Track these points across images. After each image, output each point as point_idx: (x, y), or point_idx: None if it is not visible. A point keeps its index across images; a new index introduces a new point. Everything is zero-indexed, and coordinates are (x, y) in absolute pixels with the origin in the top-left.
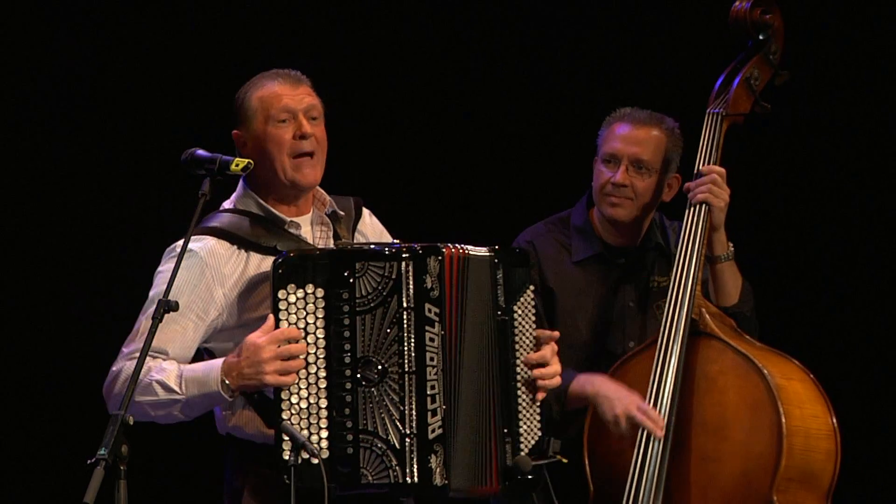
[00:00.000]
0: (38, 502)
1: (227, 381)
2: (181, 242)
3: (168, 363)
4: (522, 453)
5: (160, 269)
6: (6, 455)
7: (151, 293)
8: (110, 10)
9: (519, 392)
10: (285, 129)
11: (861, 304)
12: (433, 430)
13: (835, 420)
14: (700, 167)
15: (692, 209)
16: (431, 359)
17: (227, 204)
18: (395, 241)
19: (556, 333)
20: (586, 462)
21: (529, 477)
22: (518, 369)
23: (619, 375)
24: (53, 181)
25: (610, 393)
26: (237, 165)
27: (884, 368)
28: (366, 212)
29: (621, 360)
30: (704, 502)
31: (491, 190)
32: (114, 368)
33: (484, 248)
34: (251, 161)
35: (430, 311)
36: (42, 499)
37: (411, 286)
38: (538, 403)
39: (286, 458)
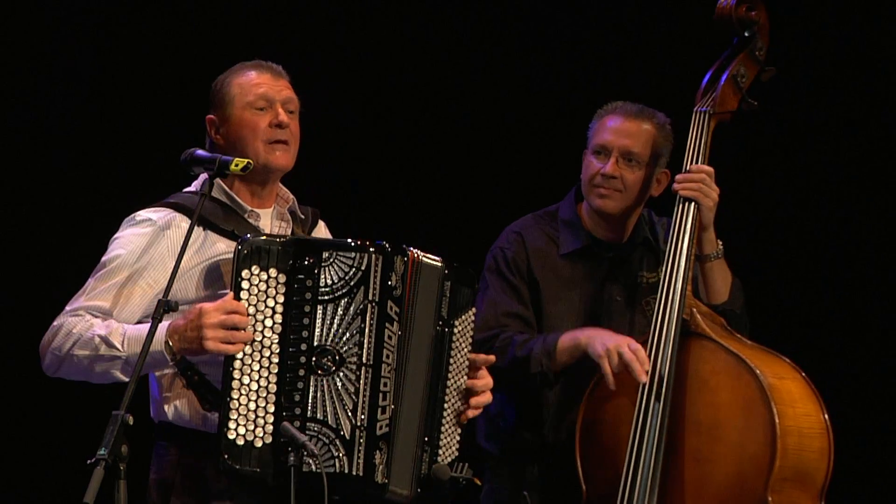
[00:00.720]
0: (38, 502)
1: (170, 343)
2: (142, 212)
3: (112, 322)
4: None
5: (117, 234)
6: (6, 455)
7: (104, 257)
8: (110, 9)
9: (445, 406)
10: (262, 116)
11: (851, 301)
12: (381, 427)
13: (826, 417)
14: (689, 166)
15: (681, 206)
16: (387, 356)
17: (189, 189)
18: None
19: (492, 357)
20: (578, 463)
21: (446, 486)
22: (449, 383)
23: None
24: (53, 181)
25: (601, 333)
26: (237, 166)
27: (874, 365)
28: (322, 223)
29: None
30: (699, 503)
31: (478, 186)
32: (55, 323)
33: (438, 258)
34: (251, 161)
35: (391, 308)
36: (42, 499)
37: (378, 280)
38: (459, 424)
39: (231, 437)
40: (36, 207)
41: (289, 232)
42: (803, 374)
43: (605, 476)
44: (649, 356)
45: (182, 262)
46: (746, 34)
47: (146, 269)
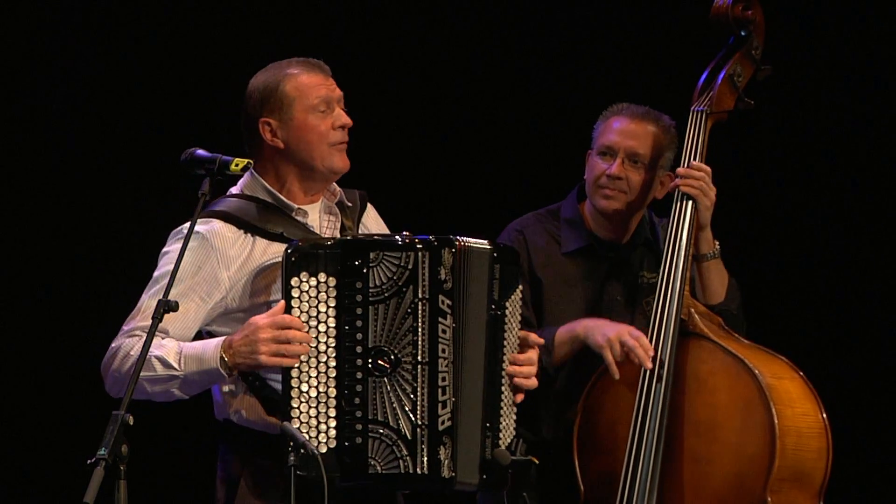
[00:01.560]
0: (38, 502)
1: (224, 358)
2: (188, 224)
3: (168, 340)
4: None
5: (166, 249)
6: (6, 455)
7: (156, 273)
8: (110, 9)
9: (503, 388)
10: (324, 119)
11: (849, 301)
12: (443, 423)
13: (825, 417)
14: (689, 163)
15: (679, 204)
16: (443, 351)
17: (234, 190)
18: (403, 232)
19: (542, 339)
20: (576, 463)
21: (508, 470)
22: (504, 365)
23: (608, 376)
24: (53, 181)
25: (599, 323)
26: (237, 165)
27: (872, 364)
28: (370, 206)
29: None
30: (697, 503)
31: (480, 184)
32: (113, 345)
33: (485, 242)
34: (251, 161)
35: (443, 302)
36: (42, 499)
37: (427, 277)
38: (515, 404)
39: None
40: (36, 208)
41: (338, 225)
42: (801, 374)
43: (604, 476)
44: None
45: (233, 270)
46: (743, 33)
47: (198, 283)
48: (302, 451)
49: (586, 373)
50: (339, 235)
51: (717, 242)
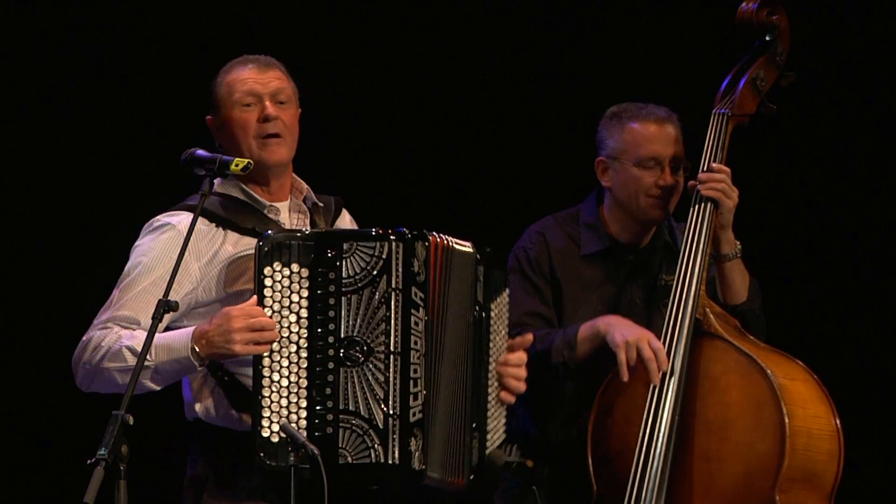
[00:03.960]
0: (38, 502)
1: (196, 349)
2: (161, 217)
3: (139, 332)
4: (488, 451)
5: (138, 242)
6: (6, 455)
7: (127, 265)
8: (110, 9)
9: (490, 390)
10: (251, 112)
11: (865, 306)
12: (414, 414)
13: (838, 421)
14: (710, 165)
15: (697, 207)
16: (415, 342)
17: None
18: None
19: (530, 337)
20: (590, 462)
21: (498, 471)
22: (490, 367)
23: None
24: (53, 181)
25: (622, 322)
26: (237, 165)
27: (888, 370)
28: (345, 212)
29: None
30: (706, 502)
31: (494, 189)
32: (84, 338)
33: (468, 244)
34: (251, 161)
35: (416, 294)
36: (42, 499)
37: (400, 268)
38: (504, 406)
39: (265, 435)
40: (36, 208)
41: (307, 223)
42: (815, 378)
43: (616, 475)
44: None
45: (203, 262)
46: (767, 38)
47: (169, 273)
48: (302, 451)
49: (599, 374)
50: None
51: (739, 243)
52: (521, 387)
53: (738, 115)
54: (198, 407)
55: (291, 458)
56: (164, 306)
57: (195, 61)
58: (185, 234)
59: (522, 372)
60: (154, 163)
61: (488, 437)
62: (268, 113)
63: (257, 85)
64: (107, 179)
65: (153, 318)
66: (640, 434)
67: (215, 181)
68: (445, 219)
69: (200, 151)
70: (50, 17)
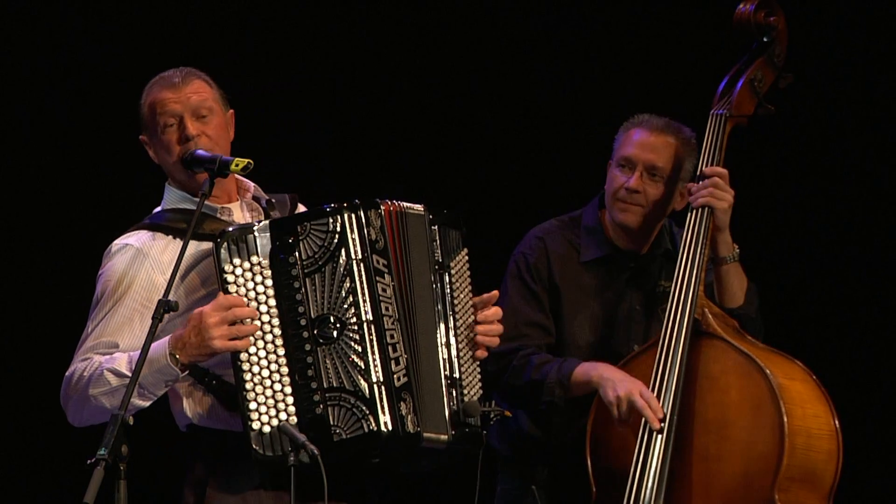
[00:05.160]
0: (38, 502)
1: (176, 355)
2: (116, 241)
3: (118, 353)
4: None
5: (100, 271)
6: (6, 455)
7: (95, 295)
8: (111, 8)
9: (460, 346)
10: (173, 132)
11: (864, 306)
12: (399, 379)
13: (837, 422)
14: (703, 169)
15: (694, 212)
16: (386, 308)
17: (157, 209)
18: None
19: (496, 293)
20: (589, 462)
21: (478, 422)
22: (458, 323)
23: None
24: (52, 181)
25: (615, 376)
26: (237, 165)
27: (887, 370)
28: (301, 207)
29: (624, 361)
30: (706, 501)
31: (505, 190)
32: (67, 374)
33: (419, 206)
34: (251, 161)
35: (378, 262)
36: (42, 499)
37: (356, 238)
38: (478, 361)
39: (256, 427)
40: (34, 208)
41: (261, 219)
42: (814, 378)
43: (615, 475)
44: (660, 355)
45: (167, 274)
46: (765, 39)
47: (135, 291)
48: (302, 450)
49: None
50: None
51: (737, 246)
52: (495, 341)
53: (736, 116)
54: (190, 414)
55: (291, 458)
56: (164, 306)
57: (195, 61)
58: (143, 251)
59: (495, 328)
60: (154, 162)
61: (465, 390)
62: (187, 133)
63: (175, 104)
64: (106, 179)
65: (153, 318)
66: (639, 434)
67: (162, 201)
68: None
69: (200, 151)
70: (50, 17)
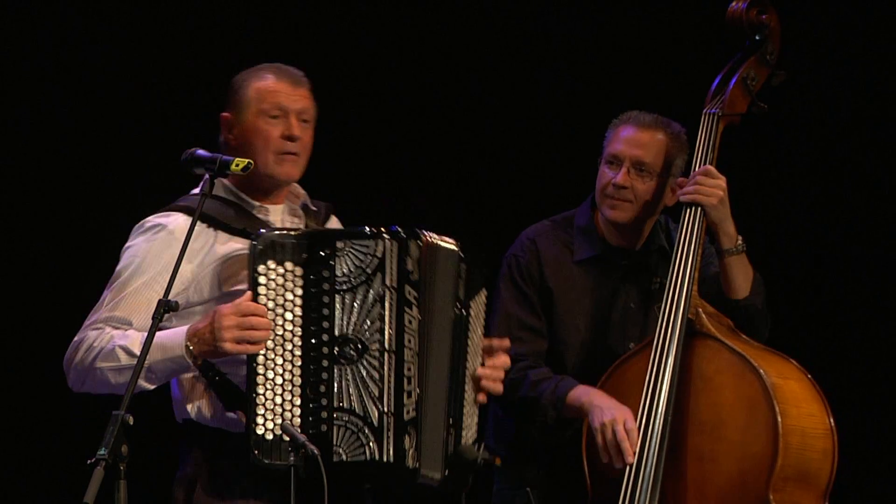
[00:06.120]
0: (38, 502)
1: (190, 347)
2: (151, 217)
3: (132, 331)
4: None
5: (128, 244)
6: (6, 455)
7: (118, 267)
8: (111, 8)
9: (465, 387)
10: (275, 125)
11: (859, 305)
12: (408, 412)
13: (832, 420)
14: (697, 167)
15: (688, 209)
16: (409, 341)
17: (196, 190)
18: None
19: (507, 342)
20: (584, 462)
21: (469, 466)
22: (468, 364)
23: (617, 375)
24: (53, 181)
25: (603, 403)
26: (237, 165)
27: (882, 368)
28: (334, 218)
29: (618, 361)
30: (701, 502)
31: (497, 190)
32: (76, 339)
33: (452, 241)
34: (251, 161)
35: (409, 293)
36: (42, 499)
37: (395, 267)
38: (478, 405)
39: (259, 433)
40: (36, 208)
41: (301, 226)
42: (809, 377)
43: (611, 476)
44: (654, 356)
45: (195, 263)
46: (757, 38)
47: (161, 274)
48: (302, 451)
49: (594, 377)
50: None
51: (741, 238)
52: (498, 388)
53: (729, 114)
54: (189, 407)
55: (291, 458)
56: (164, 306)
57: (195, 61)
58: (176, 235)
59: (500, 374)
60: (153, 162)
61: (463, 433)
62: (293, 133)
63: (287, 100)
64: (106, 179)
65: (153, 318)
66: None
67: (202, 182)
68: (444, 219)
69: (201, 151)
70: (50, 17)
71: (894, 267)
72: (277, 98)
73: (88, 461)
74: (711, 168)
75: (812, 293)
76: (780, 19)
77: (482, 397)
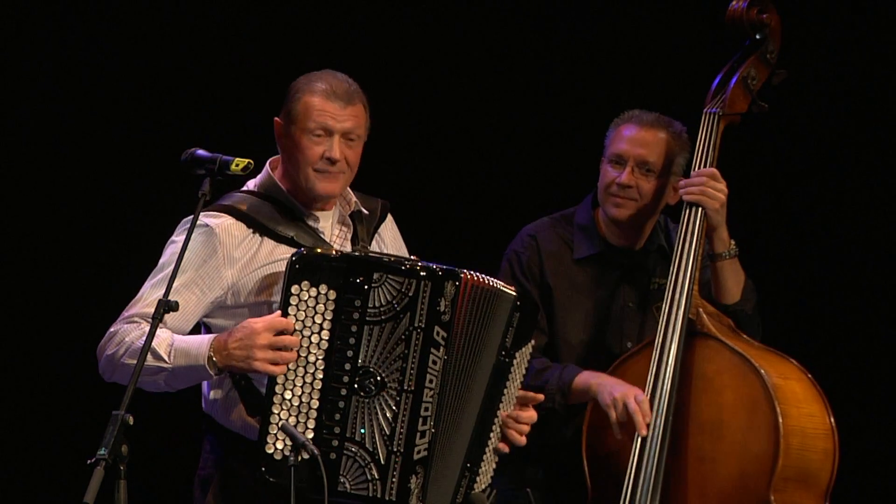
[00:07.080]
0: (38, 502)
1: (214, 359)
2: (199, 216)
3: (162, 331)
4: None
5: (173, 238)
6: (6, 455)
7: (161, 261)
8: (111, 8)
9: (492, 435)
10: (318, 144)
11: (859, 304)
12: (419, 451)
13: (832, 420)
14: (696, 169)
15: (689, 210)
16: (430, 381)
17: (249, 185)
18: (412, 257)
19: (541, 396)
20: (585, 462)
21: None
22: (499, 412)
23: (617, 375)
24: (54, 181)
25: (612, 381)
26: (237, 165)
27: (882, 368)
28: (389, 218)
29: (619, 361)
30: (702, 502)
31: (498, 188)
32: (111, 329)
33: (511, 288)
34: (251, 161)
35: (438, 333)
36: (42, 499)
37: (425, 307)
38: (497, 455)
39: (269, 451)
40: (36, 207)
41: (349, 236)
42: (809, 377)
43: (611, 476)
44: (655, 356)
45: (236, 268)
46: (758, 37)
47: (200, 276)
48: (302, 451)
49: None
50: (349, 247)
51: (734, 242)
52: (522, 440)
53: (730, 114)
54: (214, 405)
55: (291, 459)
56: (164, 306)
57: (195, 61)
58: (221, 238)
59: (526, 428)
60: (153, 162)
61: (478, 479)
62: (332, 155)
63: (332, 121)
64: (105, 179)
65: (153, 317)
66: (635, 435)
67: (258, 176)
68: (443, 220)
69: (201, 151)
70: (49, 17)
71: (894, 267)
72: (324, 119)
73: (88, 461)
74: (717, 172)
75: (812, 293)
76: (780, 18)
77: (503, 446)
